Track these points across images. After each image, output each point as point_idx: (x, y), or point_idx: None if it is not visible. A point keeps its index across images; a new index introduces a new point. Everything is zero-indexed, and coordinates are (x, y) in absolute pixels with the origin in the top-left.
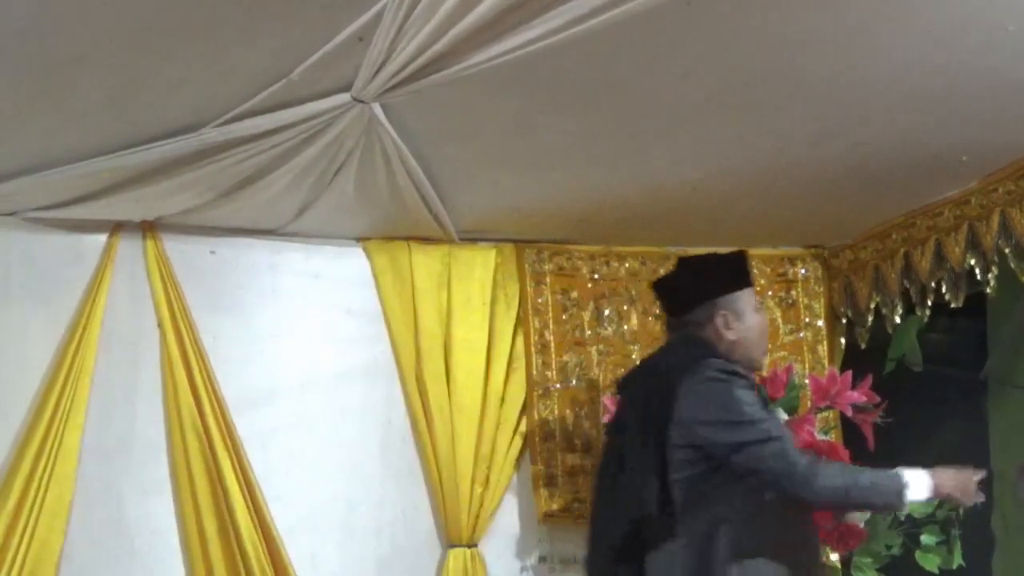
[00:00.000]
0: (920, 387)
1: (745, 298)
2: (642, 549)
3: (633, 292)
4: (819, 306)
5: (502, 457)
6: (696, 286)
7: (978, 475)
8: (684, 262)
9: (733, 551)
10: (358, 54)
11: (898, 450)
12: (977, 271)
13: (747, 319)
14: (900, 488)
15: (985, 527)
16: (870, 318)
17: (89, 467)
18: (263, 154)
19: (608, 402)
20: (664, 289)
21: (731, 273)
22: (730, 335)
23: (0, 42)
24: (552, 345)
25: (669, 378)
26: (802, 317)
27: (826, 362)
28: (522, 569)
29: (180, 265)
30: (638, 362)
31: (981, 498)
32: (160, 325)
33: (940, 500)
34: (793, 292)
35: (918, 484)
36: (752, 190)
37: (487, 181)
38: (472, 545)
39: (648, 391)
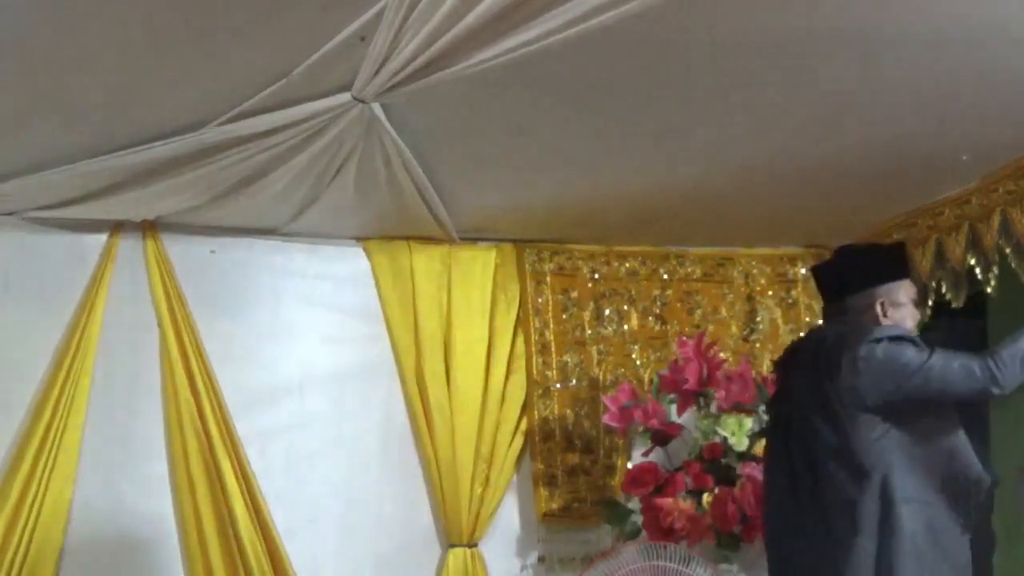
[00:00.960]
0: None
1: (904, 288)
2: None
3: (633, 292)
4: (820, 306)
5: (502, 457)
6: (860, 273)
7: None
8: (845, 250)
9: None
10: (358, 54)
11: None
12: (978, 271)
13: (903, 309)
14: None
15: (985, 527)
16: None
17: (89, 466)
18: (263, 154)
19: (608, 401)
20: (825, 275)
21: (892, 263)
22: (887, 322)
23: (1, 42)
24: (552, 345)
25: (842, 343)
26: (803, 317)
27: None
28: (522, 568)
29: (180, 265)
30: (796, 340)
31: None
32: (160, 325)
33: None
34: (793, 292)
35: None
36: (752, 190)
37: (487, 181)
38: (472, 545)
39: (816, 358)
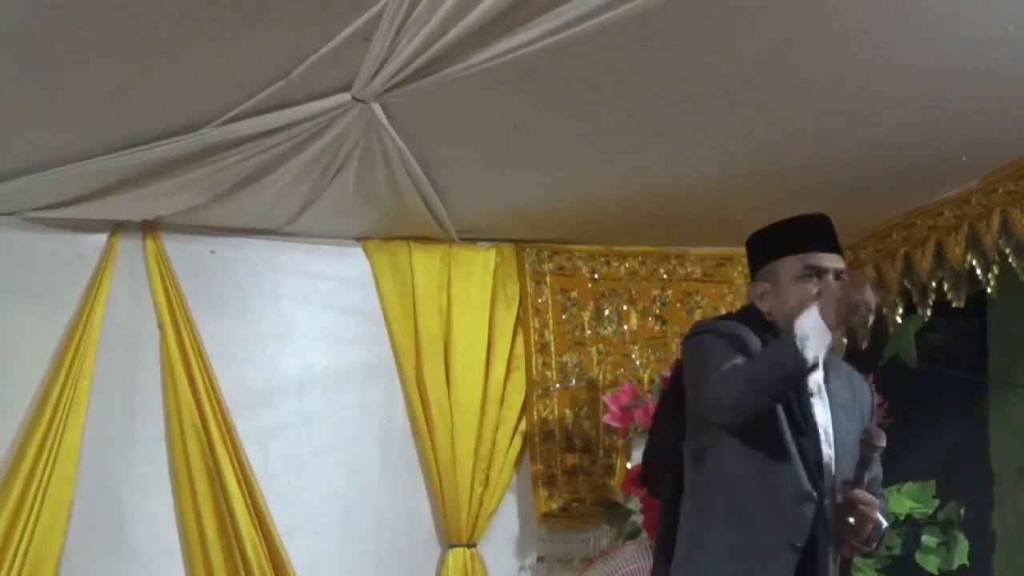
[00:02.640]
0: (921, 387)
1: (785, 267)
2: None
3: (633, 292)
4: None
5: (502, 457)
6: (750, 260)
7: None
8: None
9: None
10: (358, 54)
11: (899, 450)
12: (978, 271)
13: (783, 291)
14: (794, 346)
15: (986, 527)
16: (870, 318)
17: (89, 466)
18: (263, 154)
19: (608, 401)
20: None
21: (771, 240)
22: (764, 307)
23: (1, 42)
24: (552, 345)
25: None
26: None
27: None
28: (521, 569)
29: (180, 265)
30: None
31: (872, 296)
32: (160, 325)
33: (841, 316)
34: None
35: (807, 325)
36: (752, 190)
37: (487, 181)
38: (471, 545)
39: None
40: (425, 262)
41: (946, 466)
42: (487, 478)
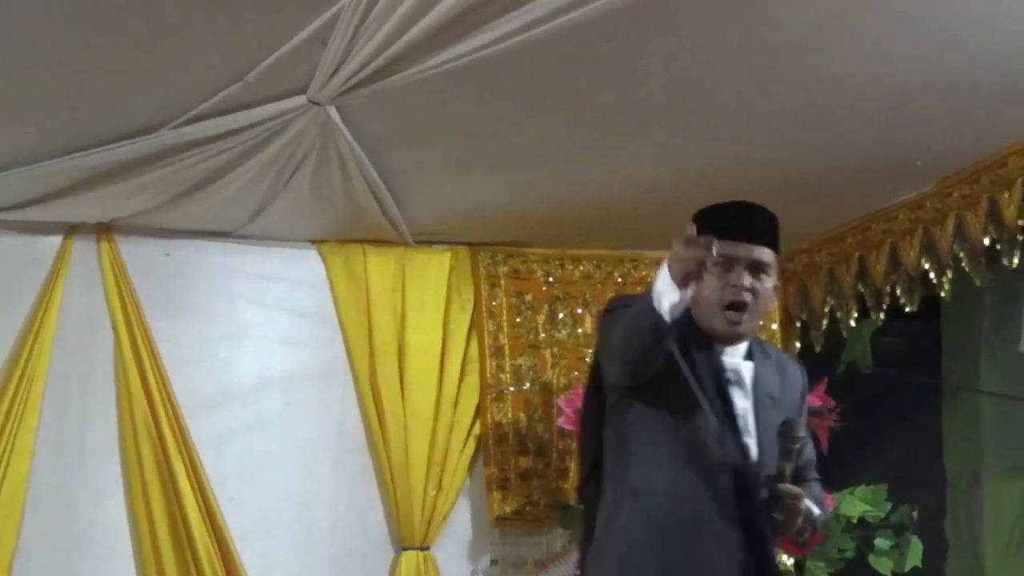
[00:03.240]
0: (875, 391)
1: None
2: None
3: (587, 295)
4: (774, 309)
5: (455, 460)
6: None
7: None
8: None
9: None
10: (314, 56)
11: (853, 454)
12: (932, 274)
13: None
14: (650, 297)
15: (939, 532)
16: (825, 321)
17: (42, 469)
18: (219, 156)
19: (563, 404)
20: None
21: (703, 222)
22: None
23: None
24: (506, 348)
25: None
26: None
27: None
28: (474, 572)
29: (135, 267)
30: None
31: (704, 250)
32: (114, 327)
33: (678, 273)
34: None
35: (660, 280)
36: (708, 194)
37: (442, 184)
38: (425, 548)
39: None
40: (380, 265)
41: (900, 470)
42: (441, 481)
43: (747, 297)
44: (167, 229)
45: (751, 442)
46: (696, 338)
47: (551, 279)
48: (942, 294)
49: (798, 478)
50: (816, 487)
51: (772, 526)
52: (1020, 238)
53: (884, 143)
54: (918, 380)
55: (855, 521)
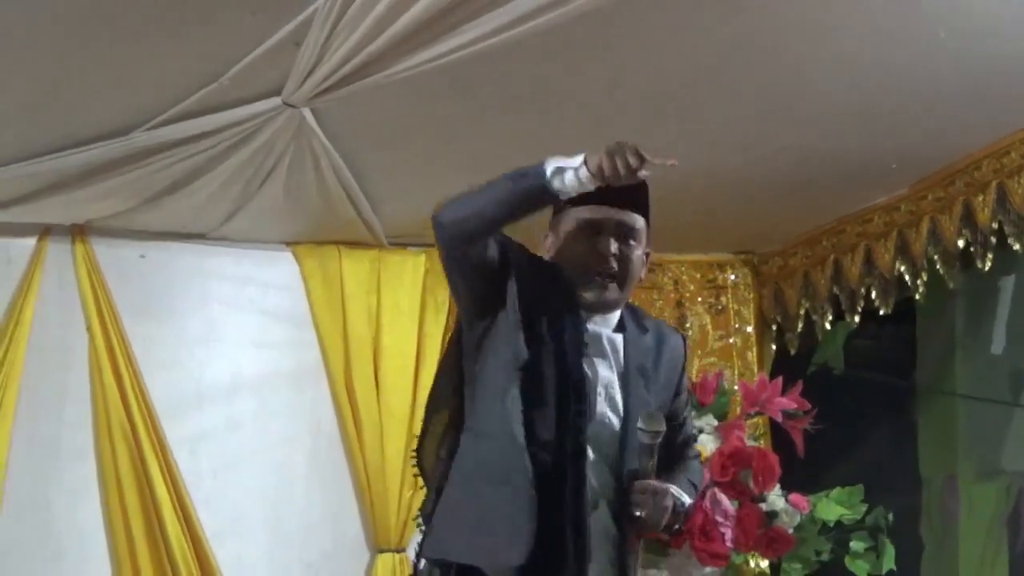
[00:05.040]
0: (850, 393)
1: (565, 220)
2: None
3: None
4: (749, 312)
5: None
6: None
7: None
8: None
9: None
10: (289, 58)
11: (828, 456)
12: (907, 277)
13: (560, 244)
14: (543, 166)
15: (914, 533)
16: (800, 324)
17: (17, 471)
18: (193, 158)
19: None
20: None
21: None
22: (543, 254)
23: None
24: None
25: None
26: (732, 323)
27: (756, 368)
28: None
29: (109, 269)
30: None
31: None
32: (89, 329)
33: (601, 173)
34: (723, 298)
35: (568, 161)
36: (682, 195)
37: (417, 185)
38: (400, 550)
39: None
40: (355, 267)
41: (875, 472)
42: (416, 482)
43: (615, 264)
44: (142, 231)
45: (610, 416)
46: (561, 302)
47: None
48: (917, 296)
49: (676, 457)
50: (694, 466)
51: (633, 523)
52: (994, 241)
53: (859, 146)
54: (893, 382)
55: (832, 523)
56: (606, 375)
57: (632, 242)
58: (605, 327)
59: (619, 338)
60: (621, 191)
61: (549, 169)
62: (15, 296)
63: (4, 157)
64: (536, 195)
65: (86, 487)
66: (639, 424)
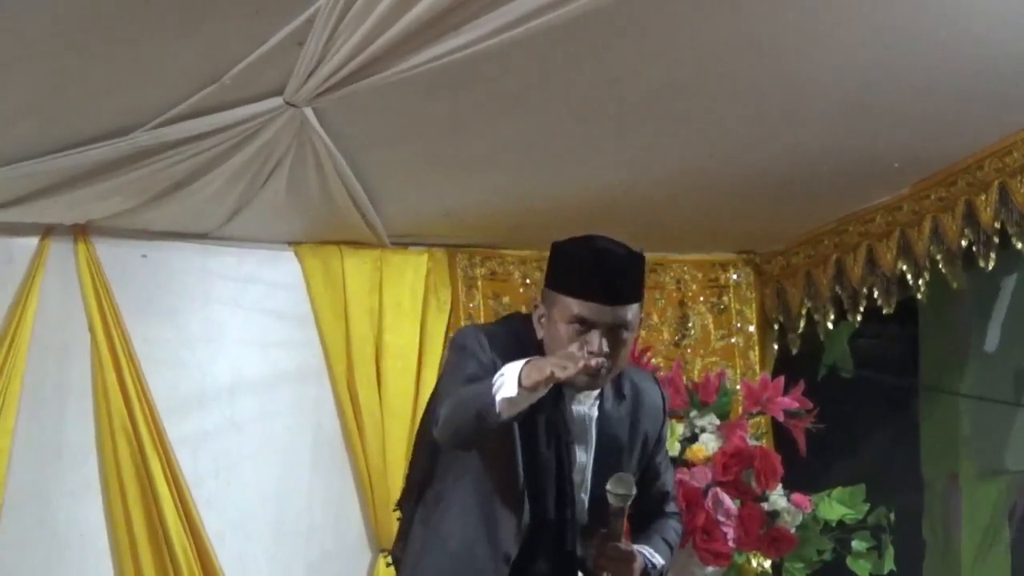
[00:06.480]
0: (852, 393)
1: (560, 304)
2: None
3: None
4: (751, 311)
5: None
6: (547, 267)
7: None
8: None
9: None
10: (291, 58)
11: (830, 456)
12: (909, 277)
13: (553, 328)
14: (491, 388)
15: (916, 534)
16: (802, 324)
17: (19, 471)
18: (195, 158)
19: None
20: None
21: (558, 266)
22: (539, 332)
23: None
24: None
25: None
26: (734, 322)
27: (758, 368)
28: None
29: (111, 269)
30: None
31: (579, 364)
32: (91, 329)
33: (530, 377)
34: (725, 298)
35: (510, 374)
36: (684, 195)
37: (419, 185)
38: None
39: None
40: (357, 267)
41: (877, 472)
42: None
43: (605, 361)
44: (144, 230)
45: (584, 497)
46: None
47: (528, 281)
48: (919, 296)
49: (653, 513)
50: (671, 524)
51: None
52: (996, 240)
53: (861, 145)
54: (895, 382)
55: (834, 523)
56: (582, 460)
57: (625, 334)
58: (585, 403)
59: (594, 415)
60: (615, 284)
61: (497, 391)
62: (17, 296)
63: (6, 157)
64: (488, 420)
65: (88, 487)
66: (608, 487)
